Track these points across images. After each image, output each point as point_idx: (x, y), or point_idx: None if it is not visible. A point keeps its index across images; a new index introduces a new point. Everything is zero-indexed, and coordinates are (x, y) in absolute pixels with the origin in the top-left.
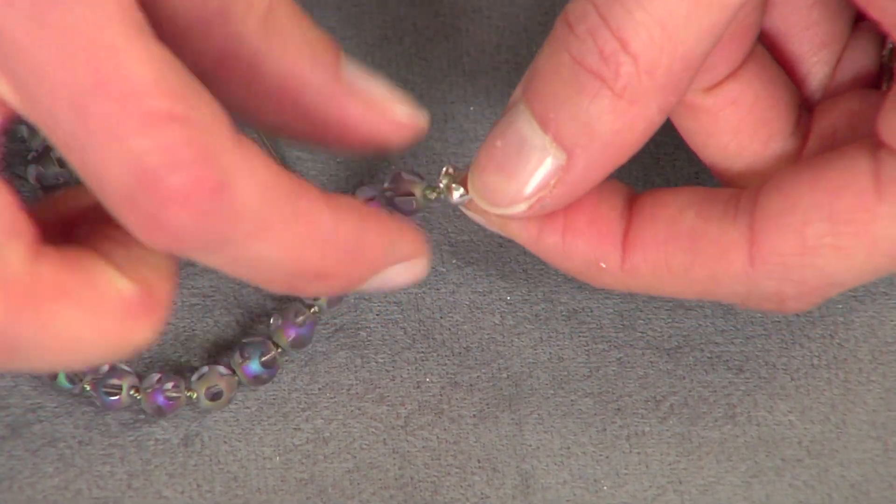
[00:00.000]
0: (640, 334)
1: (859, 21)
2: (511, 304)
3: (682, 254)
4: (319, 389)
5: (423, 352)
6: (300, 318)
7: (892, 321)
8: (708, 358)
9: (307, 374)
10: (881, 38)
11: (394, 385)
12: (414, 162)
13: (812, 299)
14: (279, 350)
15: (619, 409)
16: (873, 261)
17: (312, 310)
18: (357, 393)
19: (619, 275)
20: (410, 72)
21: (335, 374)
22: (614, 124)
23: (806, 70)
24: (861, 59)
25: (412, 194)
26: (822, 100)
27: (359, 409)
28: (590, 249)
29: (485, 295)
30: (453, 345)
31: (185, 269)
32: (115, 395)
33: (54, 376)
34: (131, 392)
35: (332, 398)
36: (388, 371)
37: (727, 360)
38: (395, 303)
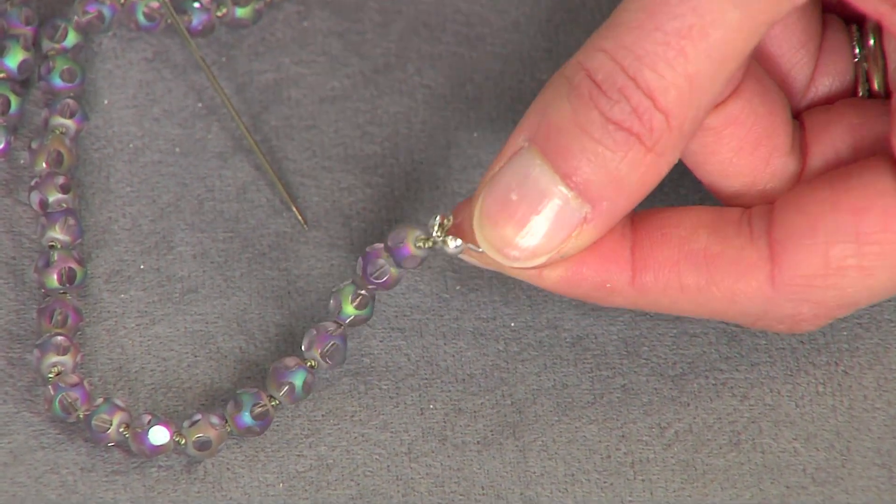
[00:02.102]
0: (644, 361)
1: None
2: (515, 330)
3: (696, 273)
4: (323, 416)
5: (426, 378)
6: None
7: None
8: (713, 385)
9: (310, 400)
10: (850, 36)
11: (397, 411)
12: (417, 187)
13: (825, 320)
14: (273, 403)
15: (623, 435)
16: (893, 282)
17: (308, 363)
18: (360, 419)
19: (630, 293)
20: (413, 99)
21: (339, 400)
22: (644, 176)
23: (786, 71)
24: (836, 59)
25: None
26: (809, 108)
27: (362, 436)
28: (596, 274)
29: (489, 321)
30: (457, 371)
31: (187, 295)
32: (105, 430)
33: (49, 406)
34: (121, 429)
35: (335, 425)
36: (391, 398)
37: (732, 387)
38: (398, 329)
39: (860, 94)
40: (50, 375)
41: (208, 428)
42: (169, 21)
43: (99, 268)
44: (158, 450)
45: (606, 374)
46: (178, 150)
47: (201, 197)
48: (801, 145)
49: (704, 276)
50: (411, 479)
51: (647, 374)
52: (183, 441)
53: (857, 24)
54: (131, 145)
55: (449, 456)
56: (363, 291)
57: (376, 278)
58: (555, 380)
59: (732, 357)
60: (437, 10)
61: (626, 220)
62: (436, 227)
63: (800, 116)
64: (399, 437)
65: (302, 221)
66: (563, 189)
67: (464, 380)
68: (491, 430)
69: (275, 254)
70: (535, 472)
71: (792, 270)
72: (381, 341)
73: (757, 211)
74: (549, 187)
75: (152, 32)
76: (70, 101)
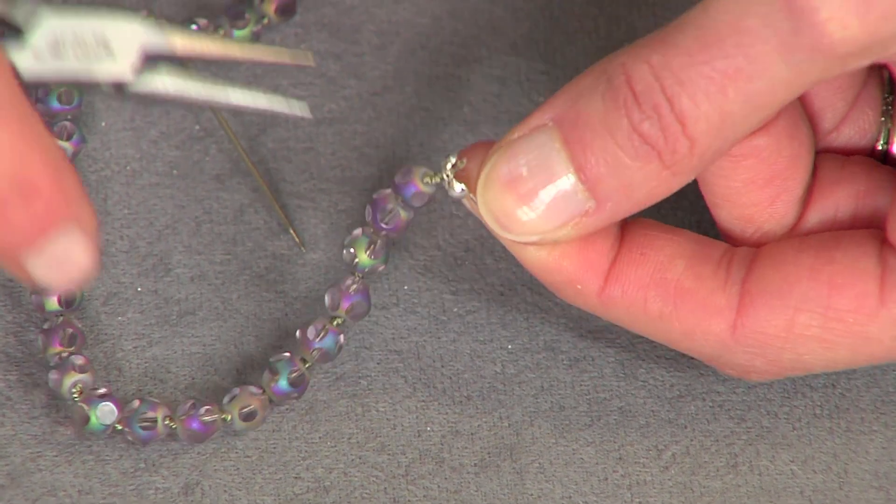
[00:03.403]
0: (641, 383)
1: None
2: (512, 352)
3: (662, 302)
4: (320, 438)
5: (423, 400)
6: (322, 332)
7: (894, 370)
8: (710, 407)
9: (308, 422)
10: (883, 92)
11: (395, 434)
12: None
13: (777, 376)
14: (307, 366)
15: (620, 458)
16: (852, 358)
17: (335, 322)
18: (358, 442)
19: (594, 301)
20: (411, 121)
21: (336, 422)
22: (654, 189)
23: (817, 109)
24: (866, 112)
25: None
26: (826, 151)
27: (360, 458)
28: (573, 272)
29: (486, 343)
30: (454, 393)
31: (184, 317)
32: (151, 427)
33: (86, 420)
34: (166, 422)
35: (332, 447)
36: (388, 420)
37: (729, 410)
38: (395, 351)
39: (879, 147)
40: (74, 395)
41: (250, 398)
42: None
43: (96, 290)
44: (209, 429)
45: (604, 397)
46: (175, 172)
47: (199, 219)
48: (808, 196)
49: (669, 306)
50: (409, 501)
51: (644, 396)
52: (228, 417)
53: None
54: (129, 167)
55: (446, 478)
56: (376, 239)
57: (386, 223)
58: (552, 402)
59: (729, 379)
60: (434, 32)
61: (617, 229)
62: (448, 166)
63: (816, 158)
64: (396, 459)
65: (299, 243)
66: (574, 178)
67: (461, 402)
68: (488, 453)
69: (272, 276)
70: (532, 495)
71: (755, 325)
72: (378, 363)
73: (739, 255)
74: (560, 172)
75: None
76: (67, 123)
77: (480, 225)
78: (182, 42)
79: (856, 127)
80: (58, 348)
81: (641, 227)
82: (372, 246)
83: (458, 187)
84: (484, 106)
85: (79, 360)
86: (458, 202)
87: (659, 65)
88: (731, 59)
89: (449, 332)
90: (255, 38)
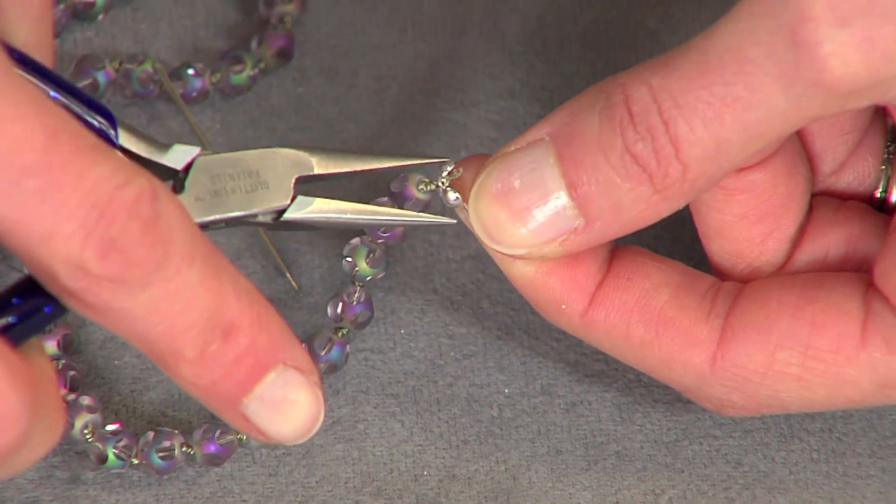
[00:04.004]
0: (638, 427)
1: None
2: (509, 396)
3: (644, 329)
4: (317, 482)
5: (420, 445)
6: (328, 346)
7: (891, 415)
8: (707, 451)
9: (304, 466)
10: (885, 140)
11: (391, 478)
12: (412, 254)
13: (753, 413)
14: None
15: (617, 502)
16: (830, 400)
17: (340, 333)
18: (355, 486)
19: (576, 323)
20: (399, 170)
21: (332, 466)
22: (644, 212)
23: (818, 151)
24: (867, 158)
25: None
26: (824, 194)
27: (356, 503)
28: (559, 291)
29: (483, 388)
30: (451, 437)
31: None
32: (169, 457)
33: (104, 459)
34: (183, 449)
35: (329, 491)
36: (385, 464)
37: (726, 454)
38: (392, 395)
39: (877, 195)
40: (87, 435)
41: None
42: (164, 87)
43: (93, 334)
44: (227, 451)
45: (600, 441)
46: None
47: None
48: (799, 237)
49: (651, 333)
50: None
51: (641, 440)
52: (244, 437)
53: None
54: None
55: None
56: (375, 248)
57: (384, 231)
58: (549, 446)
59: (726, 424)
60: (431, 77)
61: (606, 252)
62: (444, 173)
63: (812, 199)
64: (393, 503)
65: (296, 287)
66: (565, 195)
67: (458, 446)
68: (485, 497)
69: None
70: None
71: (734, 359)
72: (375, 407)
73: (725, 288)
74: (553, 187)
75: (147, 98)
76: None
77: (477, 269)
78: (326, 163)
79: (855, 172)
80: (63, 391)
81: (630, 253)
82: (371, 254)
83: (452, 196)
84: (481, 150)
85: (86, 401)
86: (455, 246)
87: (658, 87)
88: (730, 87)
89: (446, 376)
90: (253, 82)
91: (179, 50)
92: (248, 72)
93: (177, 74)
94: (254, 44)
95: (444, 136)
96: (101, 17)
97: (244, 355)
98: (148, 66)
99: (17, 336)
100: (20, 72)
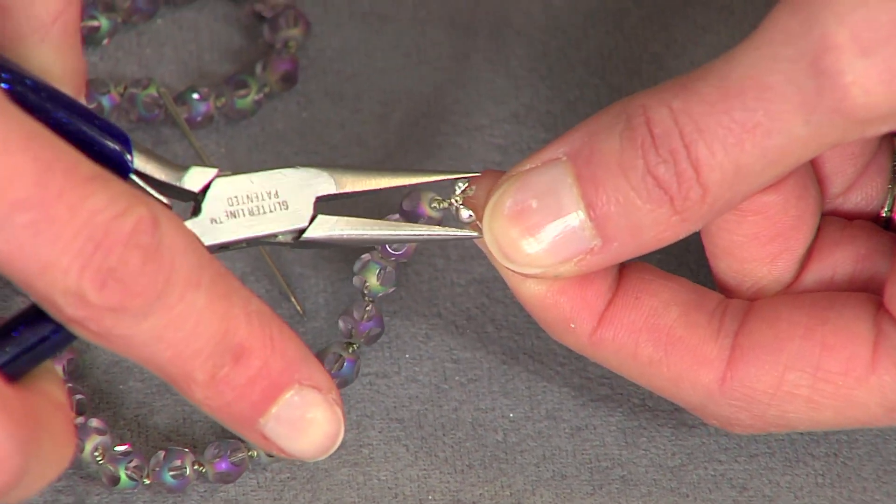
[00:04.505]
0: (643, 452)
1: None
2: (514, 421)
3: (652, 348)
4: None
5: (425, 469)
6: (339, 362)
7: None
8: (711, 476)
9: (309, 491)
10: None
11: (396, 503)
12: (417, 278)
13: (759, 431)
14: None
15: None
16: (837, 421)
17: (351, 349)
18: None
19: (584, 342)
20: (414, 188)
21: (337, 491)
22: (661, 234)
23: (827, 174)
24: (874, 179)
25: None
26: (832, 214)
27: None
28: (569, 310)
29: (487, 412)
30: (456, 462)
31: None
32: (181, 475)
33: (116, 480)
34: (195, 467)
35: None
36: (390, 489)
37: (731, 478)
38: (397, 420)
39: (883, 214)
40: (98, 457)
41: None
42: (168, 112)
43: (97, 358)
44: (239, 469)
45: (605, 465)
46: None
47: None
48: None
49: (660, 352)
50: None
51: (646, 464)
52: (255, 453)
53: None
54: None
55: None
56: (386, 264)
57: (395, 248)
58: (553, 471)
59: (731, 448)
60: (436, 101)
61: (615, 272)
62: (457, 191)
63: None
64: None
65: (300, 311)
66: (582, 215)
67: (462, 471)
68: None
69: None
70: None
71: (743, 379)
72: (379, 432)
73: (734, 307)
74: (570, 207)
75: (152, 123)
76: None
77: (482, 293)
78: (346, 182)
79: (863, 193)
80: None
81: (638, 271)
82: (382, 271)
83: (465, 213)
84: None
85: (94, 423)
86: (460, 270)
87: (679, 110)
88: (750, 113)
89: (450, 400)
90: (257, 106)
91: (184, 74)
92: (253, 96)
93: (181, 99)
94: (258, 68)
95: (449, 160)
96: (105, 41)
97: (257, 377)
98: (153, 91)
99: (21, 366)
100: (12, 106)
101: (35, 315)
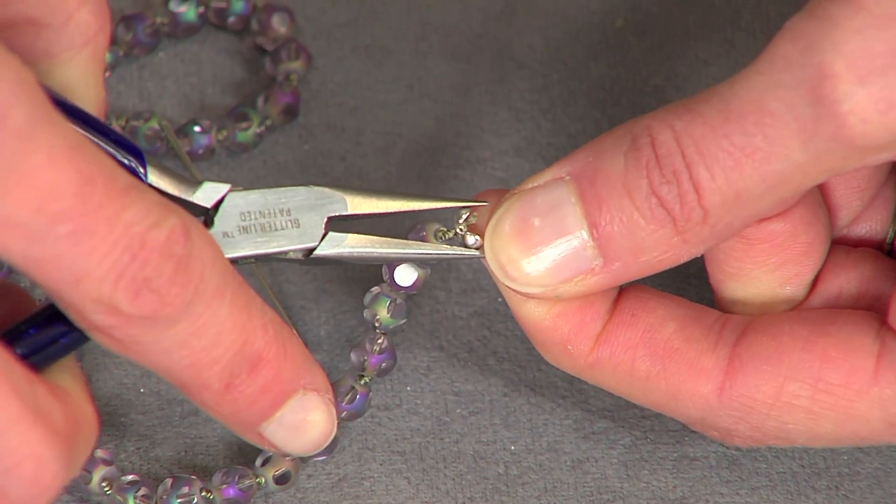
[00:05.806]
0: (644, 485)
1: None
2: (515, 453)
3: (650, 362)
4: None
5: (427, 502)
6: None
7: None
8: None
9: None
10: None
11: None
12: (418, 311)
13: (758, 443)
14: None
15: None
16: (836, 434)
17: (363, 381)
18: None
19: (581, 363)
20: (416, 219)
21: None
22: (664, 255)
23: (834, 205)
24: (880, 209)
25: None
26: (838, 243)
27: None
28: (567, 333)
29: (489, 445)
30: (458, 495)
31: (187, 419)
32: (189, 503)
33: None
34: (203, 493)
35: None
36: None
37: None
38: (398, 452)
39: (888, 239)
40: (106, 488)
41: (282, 460)
42: (170, 145)
43: (99, 391)
44: (247, 496)
45: (607, 498)
46: None
47: None
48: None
49: (658, 366)
50: None
51: (647, 497)
52: (262, 480)
53: None
54: None
55: None
56: (396, 297)
57: (404, 283)
58: (555, 503)
59: (733, 481)
60: (437, 134)
61: (615, 293)
62: (461, 219)
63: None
64: None
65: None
66: (585, 234)
67: (464, 503)
68: None
69: None
70: None
71: (742, 389)
72: (381, 464)
73: (733, 321)
74: (573, 226)
75: (154, 156)
76: None
77: (483, 326)
78: (360, 203)
79: (868, 225)
80: None
81: (635, 291)
82: (392, 304)
83: (471, 239)
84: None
85: (100, 454)
86: (461, 303)
87: (681, 131)
88: (750, 137)
89: (452, 433)
90: (259, 139)
91: (186, 107)
92: (255, 129)
93: (183, 132)
94: (260, 101)
95: (450, 193)
96: (107, 74)
97: (270, 385)
98: (154, 124)
99: (34, 365)
100: (59, 115)
101: (48, 317)
